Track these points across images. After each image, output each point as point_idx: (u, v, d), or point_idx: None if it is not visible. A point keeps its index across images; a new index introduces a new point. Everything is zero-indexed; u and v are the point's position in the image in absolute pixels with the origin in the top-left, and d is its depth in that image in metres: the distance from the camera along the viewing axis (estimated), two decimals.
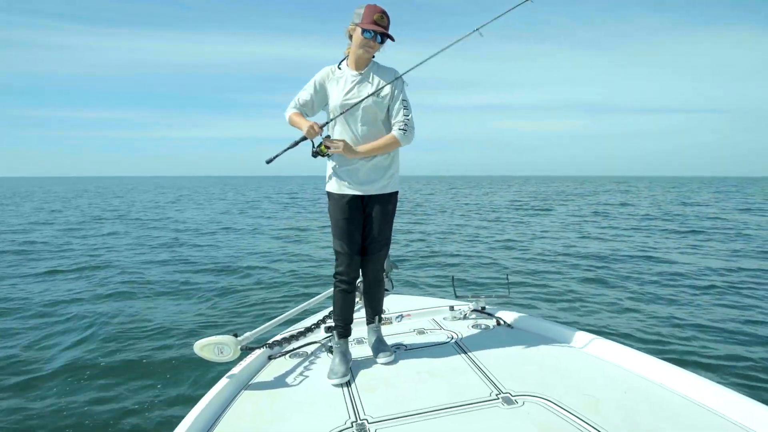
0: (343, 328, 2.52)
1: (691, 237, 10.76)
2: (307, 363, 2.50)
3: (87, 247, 11.97)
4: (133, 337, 5.11)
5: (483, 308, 3.09)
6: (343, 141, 2.34)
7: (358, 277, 2.51)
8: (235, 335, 2.42)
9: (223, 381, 2.21)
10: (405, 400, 2.03)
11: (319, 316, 3.10)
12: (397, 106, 2.41)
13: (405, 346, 2.65)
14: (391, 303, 3.39)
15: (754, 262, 7.85)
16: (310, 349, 2.68)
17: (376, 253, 2.51)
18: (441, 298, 3.54)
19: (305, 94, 2.45)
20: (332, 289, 3.43)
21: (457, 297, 3.20)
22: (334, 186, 2.46)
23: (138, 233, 14.81)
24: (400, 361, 2.45)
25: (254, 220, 18.30)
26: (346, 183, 2.42)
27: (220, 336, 2.37)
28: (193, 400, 2.12)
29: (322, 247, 10.93)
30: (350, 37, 2.38)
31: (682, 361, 3.93)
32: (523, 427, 1.78)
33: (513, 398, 2.00)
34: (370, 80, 2.40)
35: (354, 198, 2.43)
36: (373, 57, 2.42)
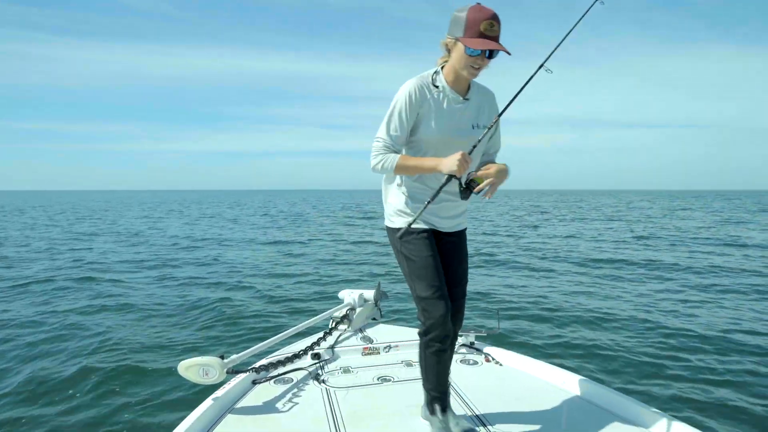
0: (442, 399, 1.99)
1: (695, 259, 10.79)
2: (293, 390, 2.47)
3: (71, 261, 11.81)
4: (115, 354, 5.00)
5: (472, 343, 3.08)
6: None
7: (451, 328, 1.95)
8: (222, 357, 2.40)
9: (207, 403, 2.18)
10: None
11: (308, 342, 3.07)
12: (497, 135, 2.06)
13: (392, 378, 2.63)
14: (380, 332, 3.37)
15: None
16: (296, 375, 2.65)
17: (461, 300, 2.07)
18: None
19: (396, 125, 1.85)
20: (323, 315, 3.44)
21: None
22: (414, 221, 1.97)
23: (126, 247, 14.64)
24: (388, 394, 2.43)
25: (247, 235, 18.18)
26: (432, 217, 1.98)
27: (206, 357, 2.34)
28: (175, 422, 2.08)
29: (315, 269, 10.85)
30: (447, 49, 1.85)
31: (675, 409, 3.91)
32: None
33: None
34: (477, 107, 1.95)
35: (434, 234, 2.00)
36: None
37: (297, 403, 2.30)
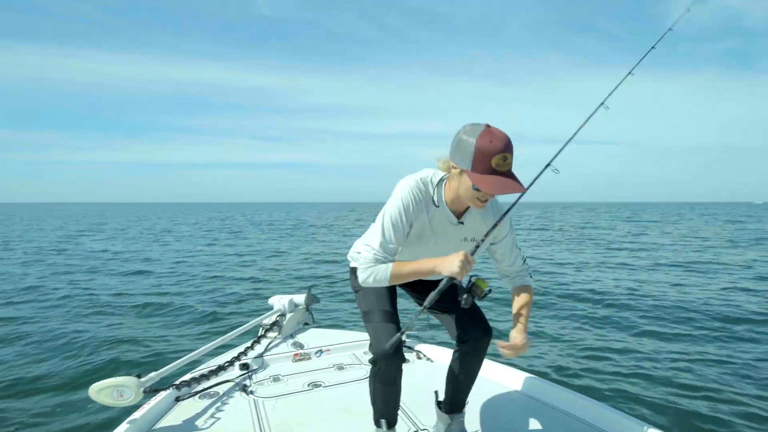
0: (390, 417, 1.88)
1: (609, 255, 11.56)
2: (218, 404, 2.35)
3: None
4: (19, 375, 4.55)
5: (403, 342, 3.09)
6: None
7: (402, 360, 1.83)
8: (138, 376, 2.24)
9: (123, 426, 2.03)
10: None
11: (234, 353, 2.95)
12: (510, 250, 1.85)
13: (323, 383, 2.58)
14: (311, 337, 3.31)
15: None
16: (222, 388, 2.53)
17: (474, 311, 1.91)
18: (362, 331, 3.51)
19: (392, 235, 1.66)
20: (252, 322, 3.32)
21: None
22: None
23: (40, 262, 13.45)
24: (318, 399, 2.38)
25: (170, 248, 17.31)
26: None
27: (120, 377, 2.19)
28: None
29: (245, 278, 10.51)
30: (449, 170, 1.65)
31: (600, 392, 4.13)
32: None
33: None
34: (469, 225, 1.78)
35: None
36: None
37: (221, 418, 2.20)
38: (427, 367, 2.77)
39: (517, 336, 1.72)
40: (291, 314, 3.44)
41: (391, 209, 1.66)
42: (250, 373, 2.74)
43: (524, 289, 1.86)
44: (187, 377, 2.56)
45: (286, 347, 3.12)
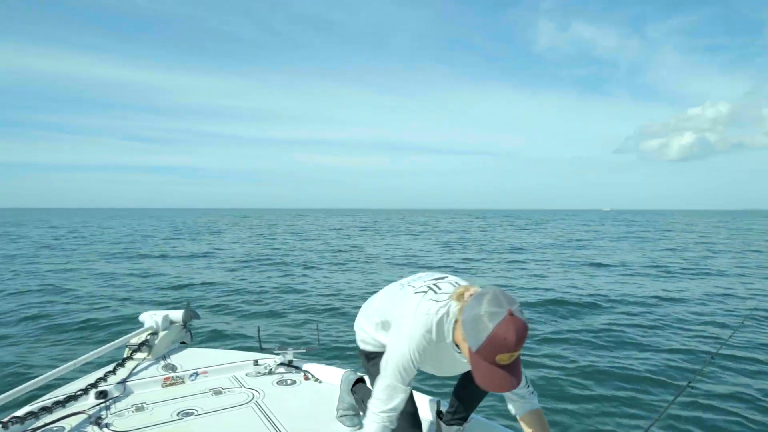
0: None
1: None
2: None
3: None
4: None
5: (290, 361, 2.89)
6: None
7: None
8: None
9: None
10: None
11: (90, 379, 2.52)
12: None
13: (196, 411, 2.29)
14: (187, 358, 2.97)
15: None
16: (69, 423, 2.13)
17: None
18: (245, 350, 3.23)
19: (402, 381, 1.65)
20: (115, 342, 2.89)
21: (262, 350, 2.95)
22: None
23: None
24: (189, 430, 2.09)
25: (14, 257, 15.10)
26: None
27: None
28: None
29: (110, 291, 9.43)
30: (461, 299, 1.62)
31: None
32: None
33: None
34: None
35: None
36: None
37: None
38: (316, 389, 2.60)
39: None
40: (165, 332, 3.07)
41: (400, 354, 1.63)
42: (107, 403, 2.35)
43: (535, 414, 1.73)
44: (21, 411, 2.12)
45: (156, 370, 2.75)
